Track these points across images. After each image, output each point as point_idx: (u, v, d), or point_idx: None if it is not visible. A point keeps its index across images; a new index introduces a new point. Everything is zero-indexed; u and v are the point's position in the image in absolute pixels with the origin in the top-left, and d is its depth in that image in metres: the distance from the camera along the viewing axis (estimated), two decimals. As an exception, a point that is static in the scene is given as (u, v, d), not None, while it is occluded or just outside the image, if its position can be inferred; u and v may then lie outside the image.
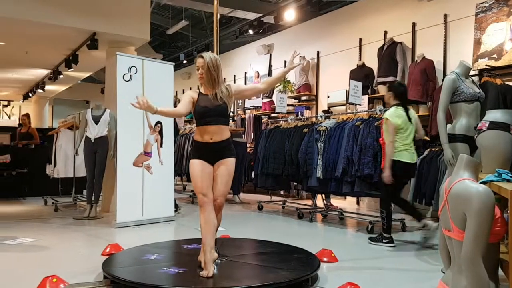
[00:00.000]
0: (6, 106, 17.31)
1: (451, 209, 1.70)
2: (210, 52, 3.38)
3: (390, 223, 4.46)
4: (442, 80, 5.70)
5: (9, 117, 17.71)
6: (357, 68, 7.48)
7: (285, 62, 9.56)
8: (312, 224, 5.76)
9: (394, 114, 4.35)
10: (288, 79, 9.24)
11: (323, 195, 6.64)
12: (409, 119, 4.39)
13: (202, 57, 3.23)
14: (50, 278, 2.91)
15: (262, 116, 9.40)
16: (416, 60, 6.47)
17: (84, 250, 4.34)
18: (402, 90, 4.53)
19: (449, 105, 3.69)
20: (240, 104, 10.46)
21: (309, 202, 7.19)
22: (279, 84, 9.16)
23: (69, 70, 8.87)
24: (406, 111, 4.40)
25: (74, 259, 3.97)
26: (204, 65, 3.19)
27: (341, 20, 8.40)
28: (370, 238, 4.63)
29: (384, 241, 4.45)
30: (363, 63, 7.47)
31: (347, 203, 7.61)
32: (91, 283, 3.07)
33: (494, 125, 3.13)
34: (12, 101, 16.98)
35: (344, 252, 4.06)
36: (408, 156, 4.37)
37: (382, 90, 7.07)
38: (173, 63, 6.35)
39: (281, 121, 7.12)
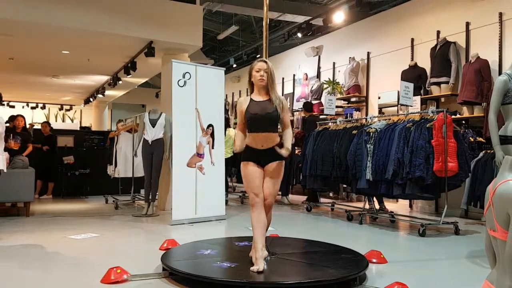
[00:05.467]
0: (68, 110, 18.41)
1: (495, 209, 1.74)
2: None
3: None
4: (498, 80, 5.51)
5: (72, 120, 18.88)
6: (409, 69, 7.38)
7: (334, 63, 9.57)
8: (361, 226, 5.76)
9: None
10: (337, 81, 9.25)
11: (377, 199, 6.60)
12: None
13: (265, 61, 3.40)
14: (114, 269, 3.16)
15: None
16: (470, 60, 6.30)
17: (143, 245, 4.63)
18: None
19: (501, 107, 3.60)
20: (289, 106, 10.57)
21: (359, 204, 7.16)
22: (328, 86, 9.19)
23: (128, 76, 9.38)
24: None
25: (135, 252, 4.27)
26: (268, 69, 3.36)
27: (392, 20, 8.30)
28: None
29: None
30: (415, 63, 7.35)
31: (399, 206, 7.50)
32: (151, 274, 3.30)
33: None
34: (74, 105, 18.04)
35: (394, 254, 4.05)
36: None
37: (435, 90, 6.94)
38: (224, 68, 6.60)
39: (330, 123, 7.16)
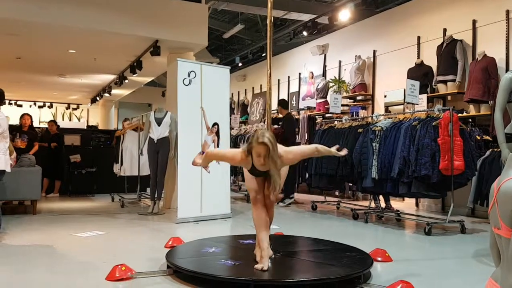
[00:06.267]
0: (75, 109, 18.51)
1: (500, 207, 1.73)
2: (266, 132, 3.05)
3: None
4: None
5: (78, 119, 18.99)
6: (415, 67, 7.34)
7: (340, 62, 9.55)
8: (367, 225, 5.75)
9: None
10: (343, 79, 9.22)
11: (383, 197, 6.57)
12: None
13: (264, 143, 2.94)
14: (119, 266, 3.18)
15: (316, 116, 9.45)
16: (477, 58, 6.25)
17: (149, 243, 4.65)
18: None
19: (507, 105, 3.59)
20: (294, 105, 10.57)
21: (365, 203, 7.15)
22: (333, 84, 9.17)
23: (134, 75, 9.42)
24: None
25: (140, 250, 4.28)
26: (266, 152, 2.97)
27: (398, 18, 8.27)
28: None
29: None
30: (422, 61, 7.31)
31: (405, 205, 7.47)
32: (156, 272, 3.32)
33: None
34: (81, 104, 18.14)
35: (400, 253, 4.04)
36: None
37: (442, 88, 6.90)
38: (229, 67, 6.60)
39: (335, 121, 7.14)
